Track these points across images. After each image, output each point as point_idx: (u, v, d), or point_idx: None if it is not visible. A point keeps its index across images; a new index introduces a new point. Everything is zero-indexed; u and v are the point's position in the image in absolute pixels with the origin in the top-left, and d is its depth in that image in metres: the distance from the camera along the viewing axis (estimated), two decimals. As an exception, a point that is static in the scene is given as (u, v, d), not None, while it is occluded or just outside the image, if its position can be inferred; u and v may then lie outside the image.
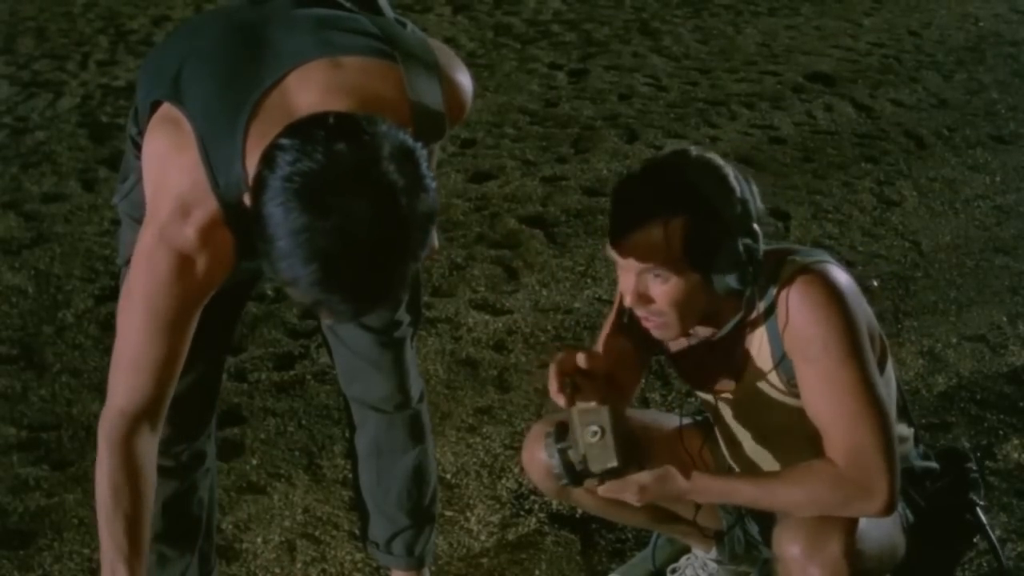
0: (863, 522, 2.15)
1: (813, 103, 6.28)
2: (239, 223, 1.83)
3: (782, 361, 2.16)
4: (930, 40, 7.45)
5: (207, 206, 1.85)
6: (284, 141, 1.63)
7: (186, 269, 1.86)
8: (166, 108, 1.89)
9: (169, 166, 1.87)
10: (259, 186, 1.64)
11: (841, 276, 2.16)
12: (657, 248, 2.03)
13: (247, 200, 1.71)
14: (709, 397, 2.37)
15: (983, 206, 4.97)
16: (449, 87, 2.00)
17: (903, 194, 5.08)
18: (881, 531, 2.23)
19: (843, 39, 7.49)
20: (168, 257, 1.85)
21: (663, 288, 2.08)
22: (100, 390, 3.64)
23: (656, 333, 2.19)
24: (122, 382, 1.93)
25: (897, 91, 6.47)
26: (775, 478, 2.20)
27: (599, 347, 2.39)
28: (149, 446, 1.95)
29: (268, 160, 1.64)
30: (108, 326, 3.97)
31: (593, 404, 2.08)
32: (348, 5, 2.06)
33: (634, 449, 2.14)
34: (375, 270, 1.63)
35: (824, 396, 2.10)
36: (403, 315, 2.38)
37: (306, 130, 1.64)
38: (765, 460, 2.40)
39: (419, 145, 1.68)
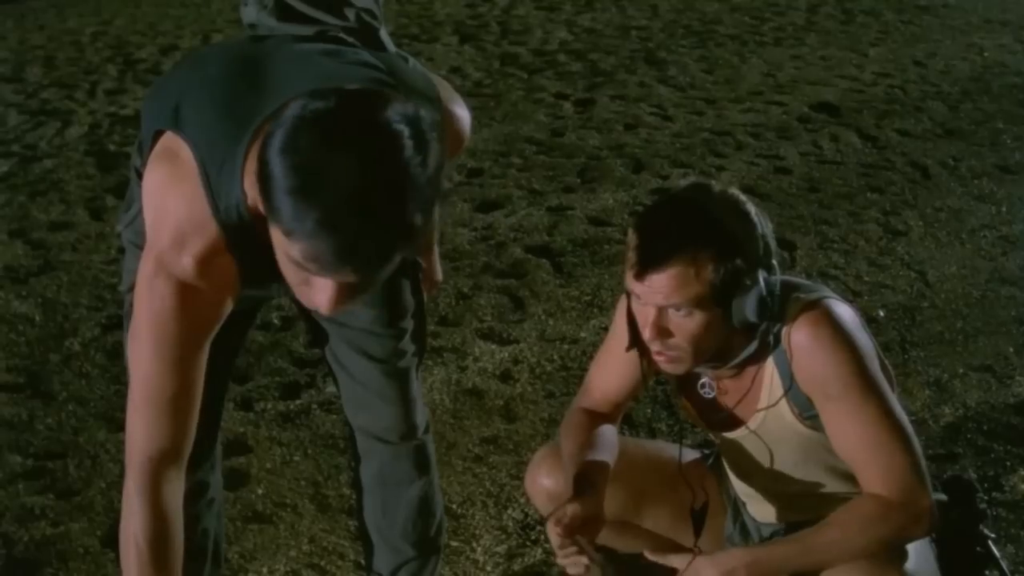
0: (911, 562, 2.16)
1: (819, 133, 6.30)
2: (242, 246, 1.84)
3: (792, 393, 2.17)
4: (935, 70, 7.48)
5: (206, 234, 1.83)
6: (293, 102, 1.63)
7: (188, 298, 1.85)
8: (167, 138, 1.89)
9: (167, 196, 1.86)
10: (267, 138, 1.61)
11: (844, 310, 2.16)
12: (684, 284, 2.03)
13: (253, 162, 1.68)
14: (718, 433, 2.36)
15: (989, 236, 4.97)
16: (449, 120, 2.01)
17: (909, 224, 5.09)
18: (928, 568, 2.24)
19: (848, 69, 7.52)
20: (169, 287, 1.84)
21: (684, 322, 2.07)
22: (107, 419, 3.66)
23: (667, 367, 2.19)
24: (141, 424, 1.90)
25: (903, 121, 6.48)
26: (823, 531, 2.15)
27: (600, 370, 2.42)
28: (179, 492, 1.93)
29: (276, 116, 1.63)
30: (115, 354, 3.99)
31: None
32: (351, 40, 2.07)
33: None
34: (382, 211, 1.57)
35: (854, 431, 2.11)
36: (408, 345, 2.37)
37: (315, 90, 1.64)
38: (778, 492, 2.40)
39: (421, 111, 1.66)
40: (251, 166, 1.74)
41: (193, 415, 1.92)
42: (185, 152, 1.85)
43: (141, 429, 1.90)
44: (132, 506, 1.91)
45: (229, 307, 1.94)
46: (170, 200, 1.86)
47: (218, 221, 1.83)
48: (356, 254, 1.59)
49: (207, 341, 1.93)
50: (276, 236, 1.63)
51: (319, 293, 1.67)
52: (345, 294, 1.67)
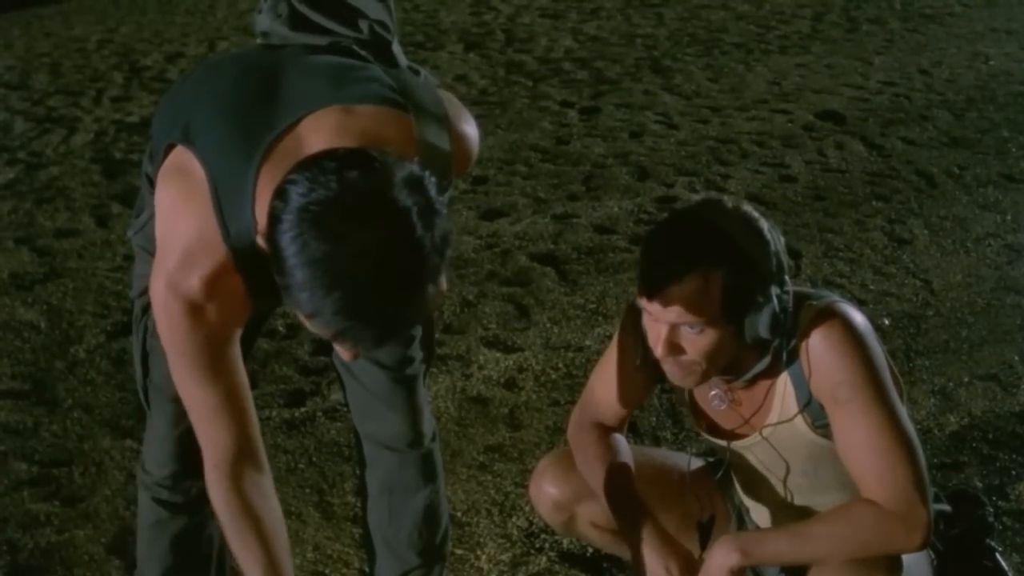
0: (903, 570, 2.15)
1: (824, 141, 6.30)
2: (251, 265, 1.85)
3: (808, 405, 2.16)
4: (940, 79, 7.48)
5: (214, 254, 1.86)
6: (295, 176, 1.65)
7: (199, 316, 1.89)
8: (178, 153, 1.91)
9: (178, 215, 1.89)
10: (273, 221, 1.64)
11: (857, 315, 2.17)
12: (695, 302, 2.02)
13: (260, 240, 1.72)
14: (726, 443, 2.36)
15: (994, 244, 4.96)
16: (456, 139, 2.02)
17: (914, 232, 5.08)
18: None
19: (854, 78, 7.52)
20: (179, 308, 1.88)
21: (696, 339, 2.07)
22: (111, 426, 3.66)
23: (679, 381, 2.19)
24: (203, 436, 1.99)
25: (908, 129, 6.48)
26: (812, 524, 2.15)
27: (605, 373, 2.43)
28: (257, 484, 2.02)
29: (281, 194, 1.65)
30: (120, 362, 3.99)
31: None
32: (363, 54, 2.07)
33: None
34: (397, 293, 1.64)
35: (858, 436, 2.10)
36: (416, 352, 2.38)
37: (318, 162, 1.66)
38: (784, 501, 2.39)
39: (427, 173, 1.69)
40: (263, 193, 1.78)
41: (245, 412, 1.99)
42: (196, 168, 1.87)
43: (203, 440, 1.99)
44: (217, 510, 2.01)
45: (243, 319, 1.98)
46: (180, 219, 1.89)
47: (227, 244, 1.86)
48: (373, 338, 1.70)
49: (232, 345, 1.97)
50: (297, 312, 1.70)
51: (341, 351, 1.79)
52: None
